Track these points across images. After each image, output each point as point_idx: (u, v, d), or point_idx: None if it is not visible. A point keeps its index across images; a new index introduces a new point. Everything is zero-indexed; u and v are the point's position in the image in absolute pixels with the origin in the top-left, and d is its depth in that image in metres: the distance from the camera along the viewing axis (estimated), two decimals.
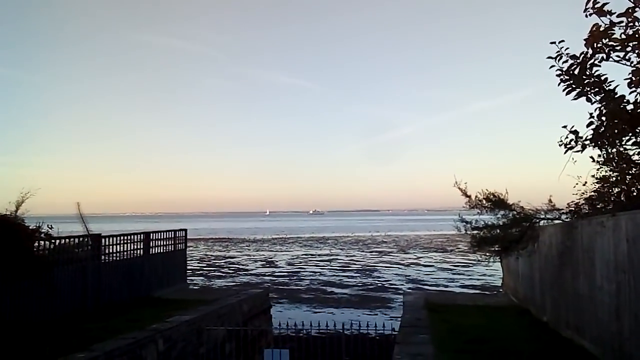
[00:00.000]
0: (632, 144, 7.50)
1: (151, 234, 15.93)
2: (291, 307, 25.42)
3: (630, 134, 7.35)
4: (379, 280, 34.81)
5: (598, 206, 8.88)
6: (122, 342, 9.19)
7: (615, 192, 8.50)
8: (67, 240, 12.29)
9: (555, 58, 7.33)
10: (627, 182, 8.12)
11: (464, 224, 10.55)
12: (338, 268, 42.32)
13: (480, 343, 9.10)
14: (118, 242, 14.10)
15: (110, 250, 13.75)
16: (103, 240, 13.49)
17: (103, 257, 13.44)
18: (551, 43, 7.23)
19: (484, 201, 10.35)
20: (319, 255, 54.79)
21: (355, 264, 44.92)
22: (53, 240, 11.73)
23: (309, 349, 12.33)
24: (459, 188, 10.73)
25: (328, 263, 46.21)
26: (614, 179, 8.43)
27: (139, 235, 15.21)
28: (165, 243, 16.59)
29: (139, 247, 15.04)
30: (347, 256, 52.98)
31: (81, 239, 12.93)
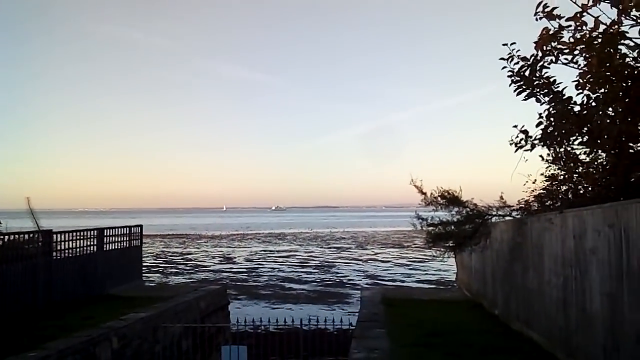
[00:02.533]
0: (579, 144, 7.77)
1: (105, 230, 15.54)
2: (249, 304, 25.36)
3: (577, 134, 7.60)
4: (337, 276, 35.09)
5: (547, 203, 9.20)
6: (75, 340, 8.97)
7: (563, 190, 8.81)
8: (16, 236, 11.89)
9: (507, 59, 7.52)
10: (574, 180, 8.43)
11: (420, 220, 10.73)
12: (297, 264, 42.40)
13: (435, 336, 9.32)
14: (70, 238, 13.69)
15: (63, 247, 13.36)
16: (54, 236, 13.08)
17: (55, 253, 13.03)
18: (503, 45, 7.42)
19: (439, 198, 10.56)
20: (277, 251, 54.73)
21: (313, 260, 45.11)
22: (1, 236, 11.34)
23: (267, 345, 12.35)
24: (415, 185, 10.91)
25: (287, 259, 46.23)
26: (562, 177, 8.72)
27: (92, 231, 14.82)
28: (120, 239, 16.22)
29: (92, 243, 14.66)
30: (305, 252, 53.14)
31: (31, 235, 12.53)
